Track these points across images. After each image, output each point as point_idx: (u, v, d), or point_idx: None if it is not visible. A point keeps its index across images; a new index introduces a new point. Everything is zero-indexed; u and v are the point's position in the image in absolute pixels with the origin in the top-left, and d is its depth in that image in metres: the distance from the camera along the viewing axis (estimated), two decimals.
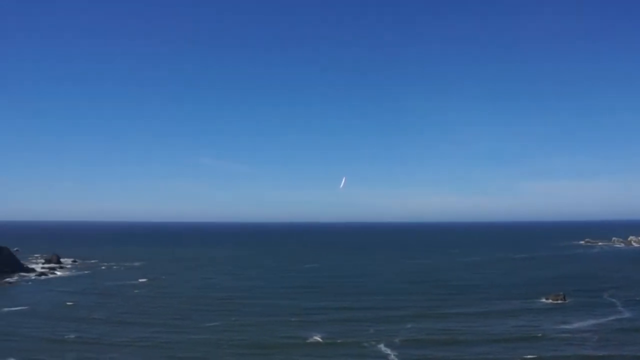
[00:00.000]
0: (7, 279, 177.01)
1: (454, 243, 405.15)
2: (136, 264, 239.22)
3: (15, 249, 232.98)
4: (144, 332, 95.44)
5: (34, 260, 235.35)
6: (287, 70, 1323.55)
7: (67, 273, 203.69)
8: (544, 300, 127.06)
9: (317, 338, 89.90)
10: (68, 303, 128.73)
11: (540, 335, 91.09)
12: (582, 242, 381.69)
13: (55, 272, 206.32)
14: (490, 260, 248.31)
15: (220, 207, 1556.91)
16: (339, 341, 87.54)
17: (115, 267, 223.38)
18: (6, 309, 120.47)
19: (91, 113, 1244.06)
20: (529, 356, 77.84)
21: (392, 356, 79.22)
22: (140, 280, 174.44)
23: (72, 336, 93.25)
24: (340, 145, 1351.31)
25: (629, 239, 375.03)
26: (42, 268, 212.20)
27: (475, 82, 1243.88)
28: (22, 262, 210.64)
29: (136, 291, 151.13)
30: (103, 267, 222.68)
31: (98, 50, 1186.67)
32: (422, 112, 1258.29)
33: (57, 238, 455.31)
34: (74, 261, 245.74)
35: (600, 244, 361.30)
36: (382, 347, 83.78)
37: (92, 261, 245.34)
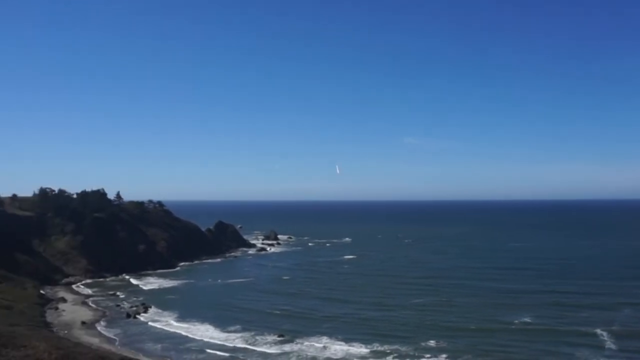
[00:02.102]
0: (232, 253, 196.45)
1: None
2: (345, 239, 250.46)
3: (238, 226, 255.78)
4: (350, 308, 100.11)
5: (255, 236, 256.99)
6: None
7: (283, 249, 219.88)
8: None
9: (527, 320, 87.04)
10: (284, 277, 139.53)
11: None
12: None
13: (273, 247, 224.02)
14: None
15: (424, 185, 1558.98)
16: (548, 326, 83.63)
17: (326, 243, 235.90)
18: (232, 281, 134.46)
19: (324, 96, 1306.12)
20: None
21: (611, 345, 73.40)
22: (348, 256, 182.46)
23: (287, 308, 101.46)
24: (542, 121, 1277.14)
25: None
26: (262, 244, 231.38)
27: None
28: (244, 238, 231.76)
29: (345, 266, 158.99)
30: (315, 244, 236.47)
31: None
32: None
33: (274, 216, 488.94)
34: (289, 237, 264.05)
35: None
36: (597, 334, 77.98)
37: (305, 238, 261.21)
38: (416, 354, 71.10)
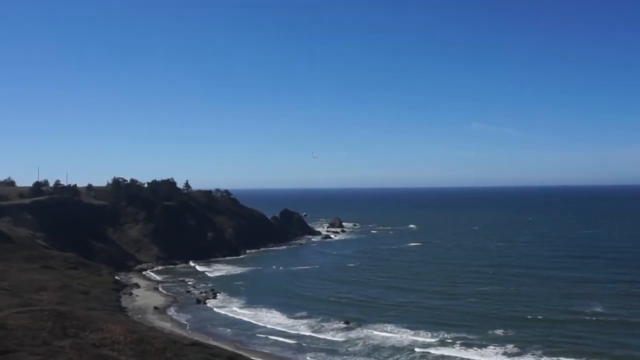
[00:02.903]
0: (298, 241, 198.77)
1: None
2: (410, 226, 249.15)
3: (304, 214, 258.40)
4: (415, 296, 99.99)
5: (320, 224, 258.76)
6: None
7: (348, 236, 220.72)
8: None
9: (598, 310, 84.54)
10: (349, 265, 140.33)
11: None
12: None
13: (338, 234, 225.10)
14: None
15: (492, 171, 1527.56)
16: (621, 317, 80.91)
17: (390, 230, 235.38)
18: (297, 268, 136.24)
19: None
20: None
21: None
22: (412, 244, 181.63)
23: (352, 295, 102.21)
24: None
25: None
26: (327, 231, 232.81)
27: None
28: (309, 225, 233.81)
29: (410, 254, 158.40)
30: (379, 231, 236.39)
31: None
32: None
33: (339, 204, 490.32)
34: (354, 225, 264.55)
35: None
36: None
37: (370, 225, 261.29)
38: (483, 343, 70.46)
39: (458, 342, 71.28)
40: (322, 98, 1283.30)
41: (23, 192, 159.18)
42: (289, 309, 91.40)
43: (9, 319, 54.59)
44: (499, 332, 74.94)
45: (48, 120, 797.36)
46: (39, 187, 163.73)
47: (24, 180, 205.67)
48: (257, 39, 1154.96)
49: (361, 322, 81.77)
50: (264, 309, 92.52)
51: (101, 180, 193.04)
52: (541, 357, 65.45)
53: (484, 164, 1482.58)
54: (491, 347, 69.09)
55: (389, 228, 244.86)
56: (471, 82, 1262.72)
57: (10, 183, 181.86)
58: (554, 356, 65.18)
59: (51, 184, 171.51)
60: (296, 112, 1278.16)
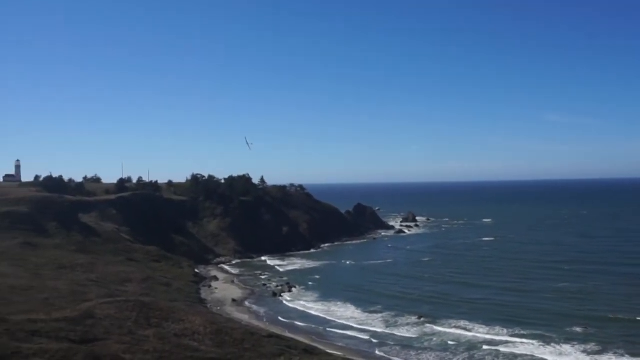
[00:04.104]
0: (371, 235, 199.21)
1: None
2: (485, 220, 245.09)
3: (377, 208, 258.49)
4: (489, 292, 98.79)
5: (393, 218, 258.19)
6: None
7: (421, 230, 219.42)
8: None
9: None
10: (422, 259, 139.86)
11: None
12: None
13: (411, 229, 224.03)
14: None
15: (566, 164, 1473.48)
16: None
17: (464, 225, 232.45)
18: (370, 262, 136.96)
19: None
20: None
21: None
22: (487, 238, 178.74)
23: (426, 290, 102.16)
24: None
25: None
26: (400, 225, 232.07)
27: None
28: (383, 220, 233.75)
29: (484, 249, 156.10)
30: (453, 225, 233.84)
31: None
32: None
33: (412, 198, 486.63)
34: (428, 219, 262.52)
35: None
36: None
37: (444, 219, 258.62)
38: (561, 340, 68.96)
39: (535, 339, 69.91)
40: (393, 92, 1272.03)
41: (109, 189, 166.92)
42: (362, 304, 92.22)
43: (97, 309, 57.73)
44: (578, 329, 73.12)
45: (131, 121, 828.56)
46: (123, 184, 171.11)
47: (109, 177, 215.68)
48: (332, 31, 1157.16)
49: (435, 318, 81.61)
50: (338, 303, 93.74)
51: (180, 176, 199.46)
52: (623, 356, 63.50)
53: (560, 155, 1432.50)
54: (569, 345, 67.54)
55: (463, 222, 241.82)
56: (544, 71, 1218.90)
57: (96, 180, 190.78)
58: (638, 357, 63.03)
59: (134, 180, 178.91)
60: (369, 106, 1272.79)
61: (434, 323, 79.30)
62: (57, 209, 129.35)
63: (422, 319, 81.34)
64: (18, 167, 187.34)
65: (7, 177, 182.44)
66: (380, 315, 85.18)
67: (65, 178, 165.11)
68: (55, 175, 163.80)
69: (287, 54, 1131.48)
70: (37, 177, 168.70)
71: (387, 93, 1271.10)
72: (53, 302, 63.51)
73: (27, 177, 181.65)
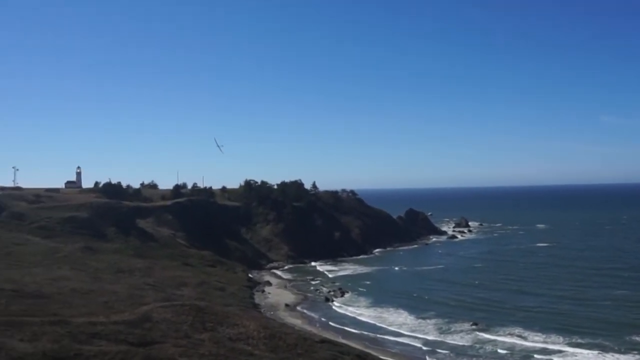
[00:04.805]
0: (423, 241, 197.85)
1: None
2: (539, 226, 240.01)
3: (429, 213, 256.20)
4: (544, 300, 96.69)
5: (445, 224, 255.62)
6: None
7: (474, 236, 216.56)
8: None
9: None
10: (475, 265, 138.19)
11: None
12: None
13: (464, 234, 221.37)
14: None
15: (626, 166, 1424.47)
16: None
17: (518, 230, 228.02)
18: (423, 268, 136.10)
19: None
20: None
21: None
22: (541, 244, 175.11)
23: (479, 297, 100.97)
24: None
25: None
26: (453, 231, 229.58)
27: None
28: (435, 225, 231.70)
29: (539, 255, 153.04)
30: (507, 230, 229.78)
31: None
32: None
33: (465, 203, 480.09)
34: (481, 224, 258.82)
35: None
36: None
37: (497, 224, 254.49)
38: (621, 350, 67.21)
39: (593, 349, 68.23)
40: (443, 97, 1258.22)
41: (165, 195, 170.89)
42: (415, 310, 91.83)
43: (154, 313, 59.09)
44: (638, 339, 71.05)
45: (186, 130, 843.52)
46: (178, 190, 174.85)
47: (165, 183, 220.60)
48: (382, 39, 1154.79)
49: (489, 325, 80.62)
50: (390, 309, 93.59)
51: (234, 182, 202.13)
52: None
53: (616, 158, 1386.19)
54: (629, 355, 65.72)
55: (518, 227, 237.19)
56: (598, 72, 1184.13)
57: (153, 186, 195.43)
58: None
59: (189, 186, 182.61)
60: (420, 111, 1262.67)
61: (488, 331, 78.38)
62: (116, 214, 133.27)
63: (475, 326, 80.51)
64: (79, 174, 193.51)
65: (68, 183, 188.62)
66: (432, 321, 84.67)
67: (124, 184, 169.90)
68: (113, 181, 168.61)
69: (340, 59, 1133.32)
70: (96, 183, 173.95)
71: (438, 97, 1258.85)
72: (112, 305, 65.30)
73: (87, 183, 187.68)
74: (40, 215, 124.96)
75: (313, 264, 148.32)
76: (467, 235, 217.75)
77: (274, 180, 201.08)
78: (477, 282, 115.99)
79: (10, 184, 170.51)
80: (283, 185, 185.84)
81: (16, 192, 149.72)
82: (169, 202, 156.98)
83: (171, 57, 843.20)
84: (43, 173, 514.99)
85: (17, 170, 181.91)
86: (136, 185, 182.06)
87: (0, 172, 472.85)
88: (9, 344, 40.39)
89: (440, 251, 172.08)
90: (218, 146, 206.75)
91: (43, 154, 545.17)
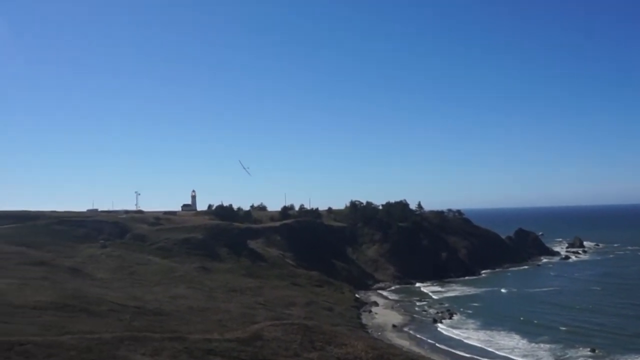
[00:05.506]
0: (534, 262, 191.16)
1: None
2: None
3: (539, 233, 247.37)
4: None
5: (557, 244, 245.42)
6: None
7: (589, 257, 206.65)
8: None
9: None
10: (591, 288, 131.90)
11: None
12: None
13: (579, 255, 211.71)
14: None
15: None
16: None
17: (638, 251, 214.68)
18: (535, 290, 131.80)
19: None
20: None
21: None
22: None
23: (596, 321, 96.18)
24: None
25: None
26: (566, 251, 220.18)
27: None
28: (546, 245, 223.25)
29: None
30: (626, 251, 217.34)
31: None
32: None
33: (578, 222, 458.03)
34: (596, 244, 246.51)
35: None
36: None
37: (615, 245, 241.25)
38: None
39: None
40: (546, 113, 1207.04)
41: (273, 216, 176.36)
42: (527, 334, 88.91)
43: (265, 331, 61.09)
44: None
45: (294, 152, 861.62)
46: (286, 211, 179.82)
47: (274, 205, 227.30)
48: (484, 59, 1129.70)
49: (609, 353, 76.70)
50: (501, 332, 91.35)
51: (339, 203, 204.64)
52: None
53: None
54: None
55: (637, 248, 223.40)
56: None
57: (262, 208, 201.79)
58: None
59: (296, 208, 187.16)
60: (525, 127, 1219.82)
61: (608, 357, 74.82)
62: (228, 235, 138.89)
63: (593, 353, 76.97)
64: (193, 197, 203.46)
65: (184, 206, 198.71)
66: (546, 347, 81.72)
67: (234, 206, 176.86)
68: (225, 204, 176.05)
69: (445, 79, 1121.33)
70: (210, 206, 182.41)
71: (540, 115, 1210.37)
72: (225, 323, 68.18)
73: (201, 206, 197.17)
74: (160, 236, 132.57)
75: (419, 284, 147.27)
76: (582, 256, 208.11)
77: (379, 200, 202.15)
78: (594, 307, 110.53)
79: (133, 208, 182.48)
80: (388, 205, 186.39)
81: (138, 215, 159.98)
82: (277, 224, 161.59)
83: (286, 85, 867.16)
84: (162, 196, 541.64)
85: (139, 194, 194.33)
86: (246, 207, 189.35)
87: (124, 196, 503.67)
88: (133, 357, 43.71)
89: (552, 273, 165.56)
90: (244, 169, 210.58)
91: (162, 179, 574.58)
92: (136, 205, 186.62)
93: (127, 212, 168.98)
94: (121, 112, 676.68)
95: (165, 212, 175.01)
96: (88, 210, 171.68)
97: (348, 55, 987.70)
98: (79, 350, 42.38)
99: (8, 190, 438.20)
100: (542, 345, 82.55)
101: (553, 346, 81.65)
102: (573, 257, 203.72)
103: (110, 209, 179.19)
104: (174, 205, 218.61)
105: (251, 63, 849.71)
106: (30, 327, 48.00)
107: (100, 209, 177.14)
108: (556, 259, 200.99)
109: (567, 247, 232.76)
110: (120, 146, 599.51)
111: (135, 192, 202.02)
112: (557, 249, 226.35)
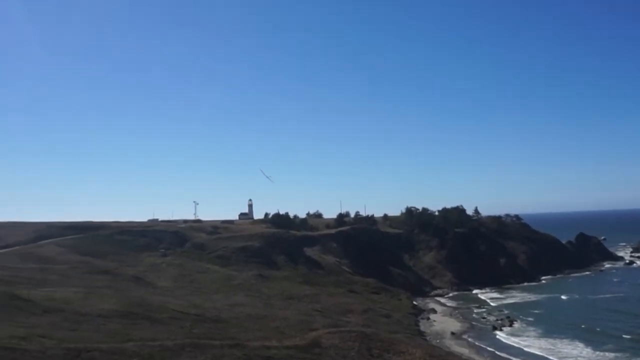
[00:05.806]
0: (596, 267, 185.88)
1: None
2: None
3: (602, 237, 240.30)
4: None
5: (621, 249, 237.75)
6: None
7: None
8: None
9: None
10: None
11: None
12: None
13: None
14: None
15: None
16: None
17: None
18: (598, 296, 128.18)
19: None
20: None
21: None
22: None
23: None
24: None
25: None
26: (631, 256, 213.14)
27: None
28: (609, 250, 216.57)
29: None
30: None
31: None
32: None
33: None
34: None
35: None
36: None
37: None
38: None
39: None
40: (610, 112, 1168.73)
41: (329, 224, 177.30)
42: (590, 342, 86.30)
43: (322, 338, 61.61)
44: None
45: (348, 159, 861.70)
46: (342, 219, 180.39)
47: (329, 212, 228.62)
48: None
49: None
50: (564, 340, 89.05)
51: (395, 209, 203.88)
52: None
53: None
54: None
55: None
56: None
57: (318, 216, 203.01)
58: None
59: (352, 215, 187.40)
60: (585, 127, 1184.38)
61: None
62: (285, 243, 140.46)
63: None
64: (250, 206, 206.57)
65: (242, 215, 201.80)
66: (612, 355, 79.29)
67: (291, 214, 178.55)
68: (282, 212, 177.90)
69: (493, 86, 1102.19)
70: (266, 215, 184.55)
71: (603, 117, 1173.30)
72: (283, 330, 68.96)
73: (258, 214, 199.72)
74: (218, 245, 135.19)
75: (476, 291, 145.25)
76: None
77: (435, 206, 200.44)
78: None
79: (191, 217, 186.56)
80: (444, 211, 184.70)
81: (197, 225, 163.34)
82: (333, 231, 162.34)
83: (341, 94, 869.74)
84: (219, 206, 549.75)
85: (197, 204, 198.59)
86: (302, 215, 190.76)
87: (183, 206, 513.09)
88: None
89: (616, 279, 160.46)
90: (267, 177, 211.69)
91: (219, 189, 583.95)
92: (195, 214, 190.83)
93: (186, 221, 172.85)
94: (180, 126, 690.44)
95: (223, 221, 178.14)
96: (149, 220, 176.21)
97: (406, 63, 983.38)
98: (142, 356, 43.92)
99: (72, 201, 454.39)
100: (607, 354, 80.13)
101: (618, 355, 79.24)
102: (638, 262, 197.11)
103: (170, 218, 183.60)
104: (232, 214, 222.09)
105: (311, 71, 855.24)
106: (95, 334, 49.93)
107: (160, 219, 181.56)
108: (620, 264, 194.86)
109: (631, 252, 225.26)
110: (178, 158, 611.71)
111: (194, 201, 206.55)
112: (620, 253, 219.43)
